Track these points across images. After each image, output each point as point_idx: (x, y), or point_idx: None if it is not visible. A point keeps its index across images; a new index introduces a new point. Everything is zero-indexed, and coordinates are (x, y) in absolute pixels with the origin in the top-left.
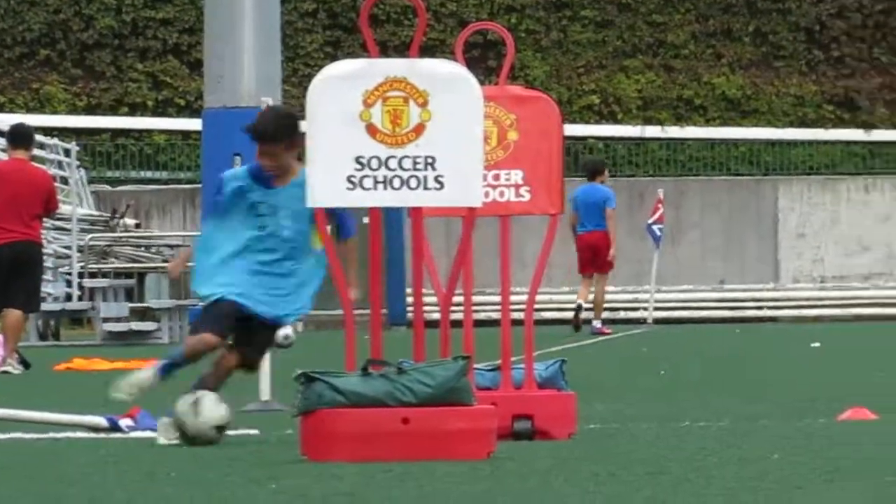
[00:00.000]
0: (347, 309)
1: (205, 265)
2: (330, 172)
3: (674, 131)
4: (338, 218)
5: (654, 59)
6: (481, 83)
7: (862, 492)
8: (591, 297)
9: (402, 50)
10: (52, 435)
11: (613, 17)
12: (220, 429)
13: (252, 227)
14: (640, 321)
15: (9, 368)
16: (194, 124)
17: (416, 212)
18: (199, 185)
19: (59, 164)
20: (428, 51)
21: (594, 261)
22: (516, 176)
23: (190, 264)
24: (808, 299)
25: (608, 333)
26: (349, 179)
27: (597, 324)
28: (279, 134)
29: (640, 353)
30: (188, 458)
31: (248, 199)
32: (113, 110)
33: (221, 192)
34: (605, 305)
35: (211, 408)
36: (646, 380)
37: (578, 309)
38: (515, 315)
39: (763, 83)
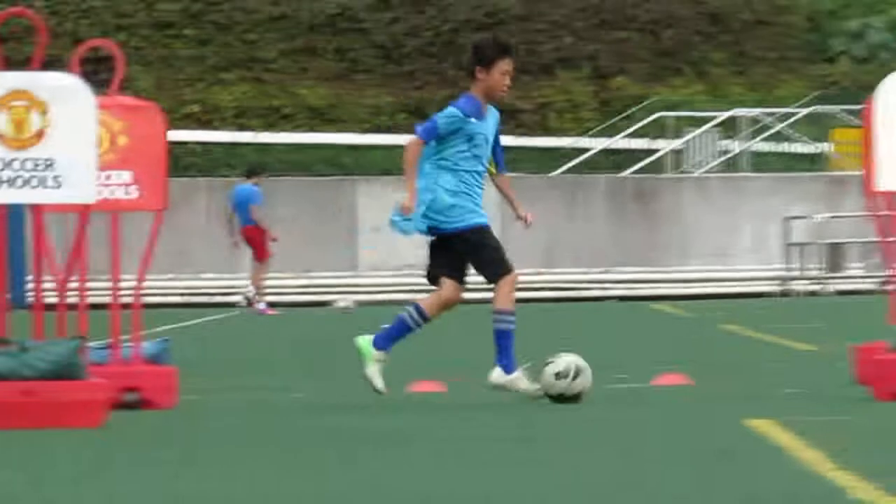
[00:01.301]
0: None
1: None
2: None
3: (265, 136)
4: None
5: (247, 72)
6: (95, 94)
7: (428, 453)
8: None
9: (24, 65)
10: None
11: (212, 36)
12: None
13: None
14: (234, 305)
15: None
16: None
17: (36, 208)
18: None
19: None
20: (47, 65)
21: (257, 249)
22: (125, 176)
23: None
24: (383, 285)
25: (271, 313)
26: None
27: (260, 306)
28: None
29: (234, 334)
30: None
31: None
32: None
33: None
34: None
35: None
36: (238, 357)
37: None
38: (125, 299)
39: (344, 94)
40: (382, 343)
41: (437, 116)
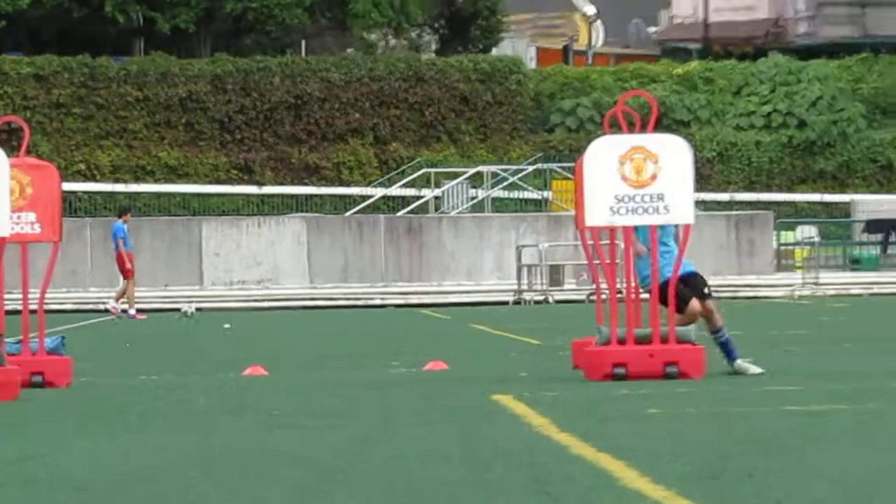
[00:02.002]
0: None
1: None
2: None
3: (134, 187)
4: None
5: (120, 140)
6: (8, 156)
7: (255, 421)
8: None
9: None
10: None
11: (94, 113)
12: None
13: None
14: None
15: None
16: None
17: None
18: None
19: None
20: None
21: (121, 270)
22: (31, 217)
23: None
24: (222, 296)
25: (140, 318)
26: None
27: (132, 311)
28: None
29: (114, 332)
30: None
31: None
32: None
33: None
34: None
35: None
36: (117, 350)
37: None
38: (32, 306)
39: (192, 156)
40: (732, 356)
41: None
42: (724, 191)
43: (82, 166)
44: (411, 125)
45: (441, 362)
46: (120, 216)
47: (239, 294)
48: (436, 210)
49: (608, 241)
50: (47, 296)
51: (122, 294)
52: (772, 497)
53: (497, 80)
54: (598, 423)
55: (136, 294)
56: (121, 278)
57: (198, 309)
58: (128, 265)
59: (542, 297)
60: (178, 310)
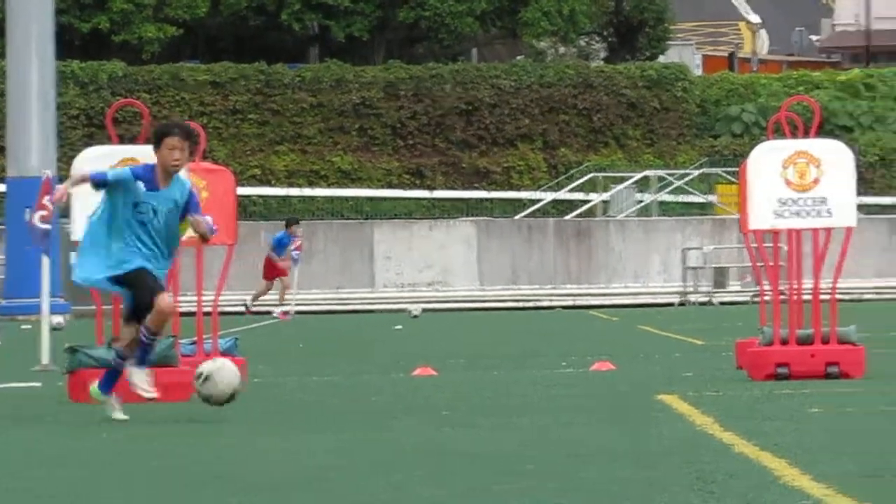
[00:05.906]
0: (98, 305)
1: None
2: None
3: (308, 191)
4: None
5: (294, 145)
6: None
7: (426, 420)
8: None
9: (132, 140)
10: None
11: (269, 119)
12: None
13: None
14: (287, 314)
15: None
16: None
17: None
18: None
19: None
20: (149, 142)
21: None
22: (208, 220)
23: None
24: (393, 298)
25: (285, 319)
26: None
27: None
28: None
29: (287, 334)
30: None
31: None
32: None
33: None
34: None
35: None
36: (290, 350)
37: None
38: (207, 308)
39: (364, 161)
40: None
41: None
42: (887, 195)
43: (257, 171)
44: (580, 130)
45: (608, 362)
46: (288, 226)
47: (410, 296)
48: (603, 213)
49: (771, 244)
50: (221, 298)
51: (283, 296)
52: None
53: (664, 87)
54: (760, 421)
55: (307, 296)
56: (299, 278)
57: (424, 310)
58: (280, 265)
59: (706, 299)
60: (356, 311)
